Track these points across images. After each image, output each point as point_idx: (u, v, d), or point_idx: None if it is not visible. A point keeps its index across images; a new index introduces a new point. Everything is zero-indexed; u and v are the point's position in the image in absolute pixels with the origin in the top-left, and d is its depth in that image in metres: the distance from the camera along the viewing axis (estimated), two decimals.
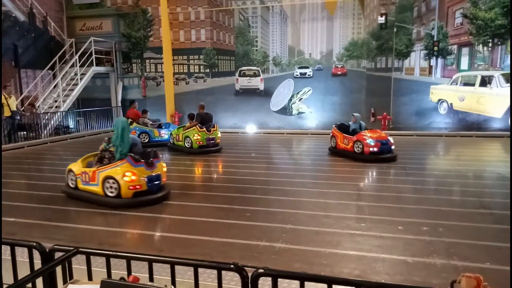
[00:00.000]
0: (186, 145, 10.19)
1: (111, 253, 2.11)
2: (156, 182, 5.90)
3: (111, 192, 5.65)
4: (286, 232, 4.54)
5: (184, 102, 15.56)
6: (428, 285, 3.20)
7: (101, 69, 15.71)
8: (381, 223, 4.77)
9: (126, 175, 5.56)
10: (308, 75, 14.90)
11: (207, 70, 15.87)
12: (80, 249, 2.07)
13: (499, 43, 12.58)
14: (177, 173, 7.92)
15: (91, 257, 2.19)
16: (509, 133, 10.72)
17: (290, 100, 15.01)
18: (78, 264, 2.96)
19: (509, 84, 12.26)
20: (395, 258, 3.81)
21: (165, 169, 6.20)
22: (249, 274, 1.83)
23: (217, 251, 4.06)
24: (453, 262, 3.67)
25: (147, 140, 11.17)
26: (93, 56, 14.92)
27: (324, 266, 3.65)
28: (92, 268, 2.23)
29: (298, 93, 14.90)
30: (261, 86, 15.34)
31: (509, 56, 12.51)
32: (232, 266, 1.80)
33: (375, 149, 8.60)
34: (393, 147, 8.90)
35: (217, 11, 15.49)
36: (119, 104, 16.40)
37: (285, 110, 15.02)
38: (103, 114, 15.67)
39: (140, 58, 16.30)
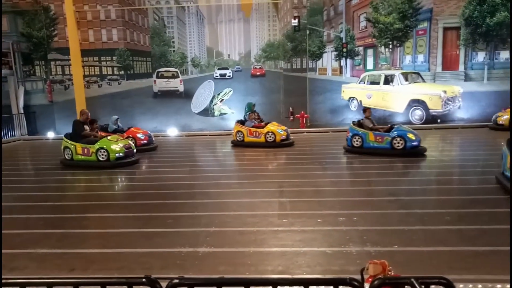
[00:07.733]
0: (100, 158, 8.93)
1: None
2: None
3: None
4: (210, 235, 4.46)
5: (97, 106, 14.52)
6: (346, 273, 3.38)
7: None
8: (302, 217, 4.93)
9: None
10: (228, 76, 14.96)
11: (122, 72, 15.05)
12: None
13: (398, 45, 13.95)
14: (90, 183, 7.34)
15: None
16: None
17: (212, 101, 14.93)
18: None
19: (408, 82, 13.65)
20: (315, 250, 3.96)
21: None
22: (164, 285, 1.73)
23: (136, 262, 3.82)
24: (366, 248, 3.93)
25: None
26: None
27: (248, 266, 3.65)
28: None
29: (219, 94, 14.88)
30: (181, 88, 15.01)
31: (407, 56, 13.93)
32: (144, 280, 1.68)
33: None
34: None
35: (129, 10, 14.77)
36: (21, 111, 14.76)
37: (207, 112, 14.89)
38: (3, 123, 13.98)
39: (44, 59, 14.87)
